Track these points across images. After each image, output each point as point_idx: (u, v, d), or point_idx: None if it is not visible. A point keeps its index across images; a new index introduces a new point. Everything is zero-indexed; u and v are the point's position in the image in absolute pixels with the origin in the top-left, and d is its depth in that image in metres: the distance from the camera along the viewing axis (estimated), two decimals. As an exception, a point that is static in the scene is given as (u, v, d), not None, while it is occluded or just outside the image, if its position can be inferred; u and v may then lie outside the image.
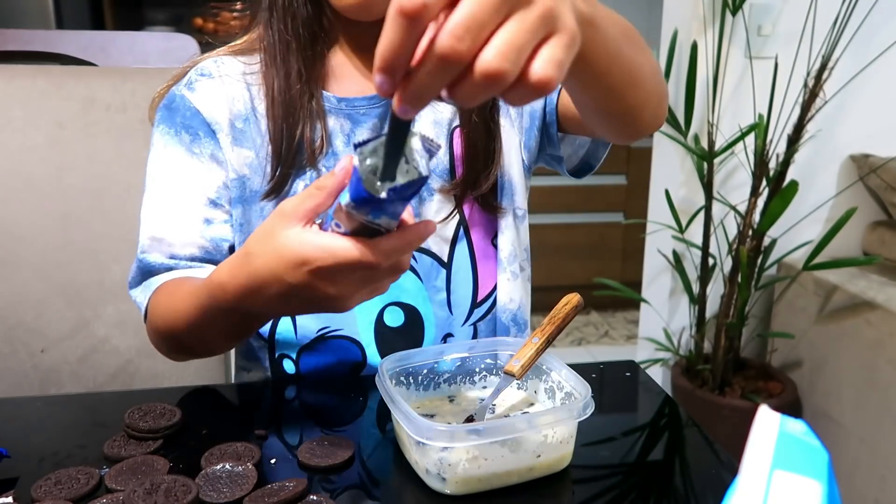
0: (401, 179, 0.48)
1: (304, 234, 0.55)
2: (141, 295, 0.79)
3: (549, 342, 0.67)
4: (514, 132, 0.85)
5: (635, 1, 3.42)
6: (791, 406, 1.83)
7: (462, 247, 0.85)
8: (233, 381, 1.09)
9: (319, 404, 0.76)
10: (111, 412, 0.70)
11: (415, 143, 0.49)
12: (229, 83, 0.81)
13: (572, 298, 0.69)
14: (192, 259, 0.79)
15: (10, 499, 0.58)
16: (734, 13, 1.78)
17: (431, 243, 0.84)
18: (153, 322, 0.77)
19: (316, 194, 0.56)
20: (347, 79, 0.83)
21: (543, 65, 0.39)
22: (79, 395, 0.89)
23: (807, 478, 0.29)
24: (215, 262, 0.79)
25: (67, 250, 1.03)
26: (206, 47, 1.13)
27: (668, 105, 0.73)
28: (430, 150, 0.49)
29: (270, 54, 0.79)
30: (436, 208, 0.83)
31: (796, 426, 0.32)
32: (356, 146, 0.49)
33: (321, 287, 0.55)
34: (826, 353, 1.82)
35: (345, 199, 0.52)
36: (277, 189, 0.80)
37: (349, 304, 0.57)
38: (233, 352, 0.98)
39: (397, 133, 0.46)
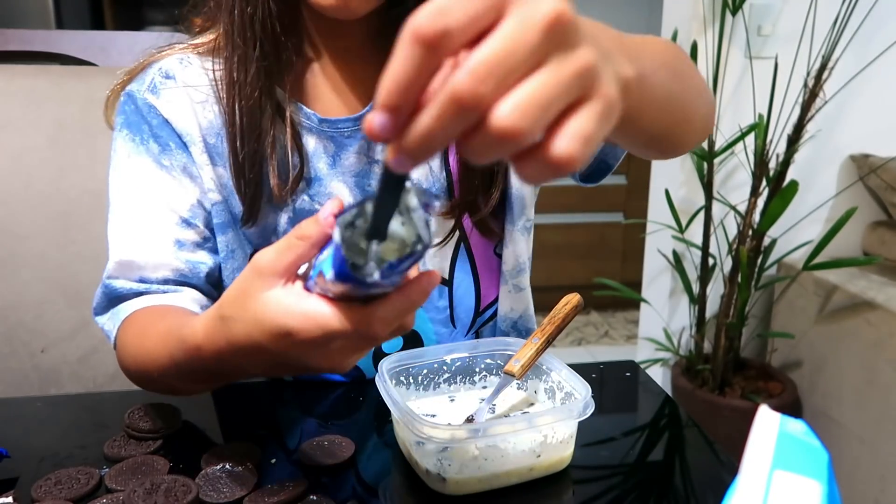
0: (394, 254, 0.40)
1: (285, 299, 0.46)
2: (109, 322, 0.72)
3: (549, 342, 0.67)
4: None
5: (635, 1, 3.43)
6: (791, 406, 1.83)
7: (463, 262, 0.82)
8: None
9: (319, 404, 0.76)
10: (111, 412, 0.70)
11: (411, 201, 0.40)
12: (196, 94, 0.74)
13: (572, 298, 0.69)
14: (165, 282, 0.72)
15: (10, 499, 0.58)
16: (734, 13, 1.78)
17: (430, 265, 0.79)
18: (122, 357, 0.70)
19: (296, 245, 0.46)
20: (329, 96, 0.76)
21: (569, 140, 0.32)
22: (79, 395, 0.89)
23: (807, 478, 0.29)
24: (191, 285, 0.74)
25: (67, 250, 1.03)
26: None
27: (714, 114, 0.66)
28: (428, 204, 0.41)
29: (230, 60, 0.70)
30: (433, 229, 0.78)
31: (796, 426, 0.32)
32: (336, 216, 0.43)
33: (310, 357, 0.47)
34: (826, 353, 1.82)
35: (328, 272, 0.43)
36: (252, 218, 0.73)
37: (344, 368, 0.49)
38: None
39: (390, 189, 0.37)
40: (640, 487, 0.63)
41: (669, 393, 0.80)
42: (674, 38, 1.84)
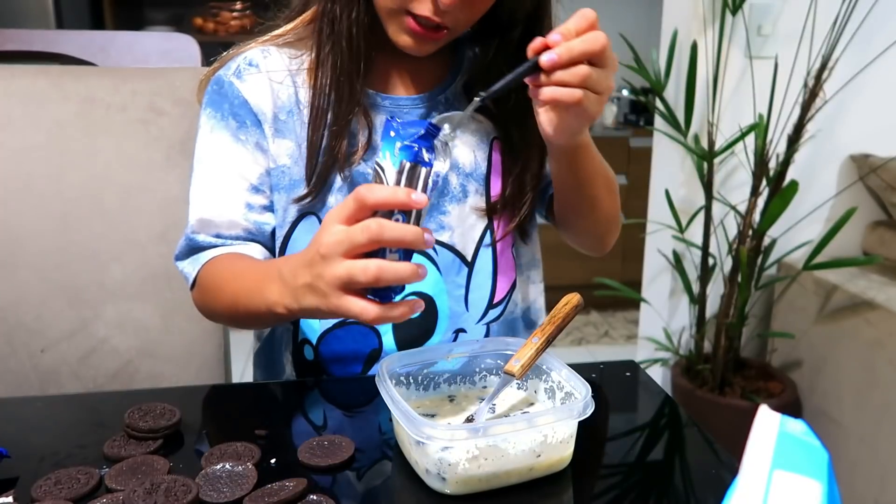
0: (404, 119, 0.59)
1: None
2: (189, 266, 0.84)
3: (548, 342, 0.67)
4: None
5: (635, 1, 3.43)
6: (791, 406, 1.83)
7: (486, 249, 0.89)
8: (232, 381, 1.09)
9: (320, 404, 0.76)
10: (111, 412, 0.70)
11: (449, 141, 0.61)
12: (275, 77, 0.84)
13: (572, 298, 0.69)
14: (237, 238, 0.84)
15: (10, 499, 0.58)
16: (734, 13, 1.78)
17: (457, 240, 0.87)
18: (203, 290, 0.83)
19: (350, 202, 0.60)
20: (394, 80, 0.87)
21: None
22: (79, 395, 0.89)
23: (807, 478, 0.29)
24: (258, 242, 0.85)
25: (67, 250, 1.03)
26: (205, 47, 1.13)
27: (610, 243, 0.93)
28: (448, 151, 0.61)
29: (323, 59, 0.80)
30: (467, 217, 0.87)
31: (796, 426, 0.32)
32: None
33: (319, 241, 0.60)
34: (826, 353, 1.82)
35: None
36: (316, 189, 0.82)
37: (331, 266, 0.60)
38: (245, 361, 0.99)
39: (524, 71, 0.66)
40: (640, 487, 0.63)
41: (669, 393, 0.80)
42: (674, 38, 1.84)
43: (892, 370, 1.62)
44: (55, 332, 1.03)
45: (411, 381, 0.70)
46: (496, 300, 0.90)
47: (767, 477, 0.29)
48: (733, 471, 0.63)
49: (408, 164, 0.60)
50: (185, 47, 1.12)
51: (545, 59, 0.65)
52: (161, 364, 1.04)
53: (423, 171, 0.60)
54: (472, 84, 0.88)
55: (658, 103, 1.86)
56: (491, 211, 0.88)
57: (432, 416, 0.68)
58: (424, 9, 0.75)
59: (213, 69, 0.87)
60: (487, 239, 0.89)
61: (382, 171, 0.61)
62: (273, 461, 0.63)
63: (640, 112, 3.44)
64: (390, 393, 0.61)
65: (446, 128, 0.62)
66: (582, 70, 0.65)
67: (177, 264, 0.86)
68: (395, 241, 0.59)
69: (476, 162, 0.88)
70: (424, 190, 0.60)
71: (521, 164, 0.88)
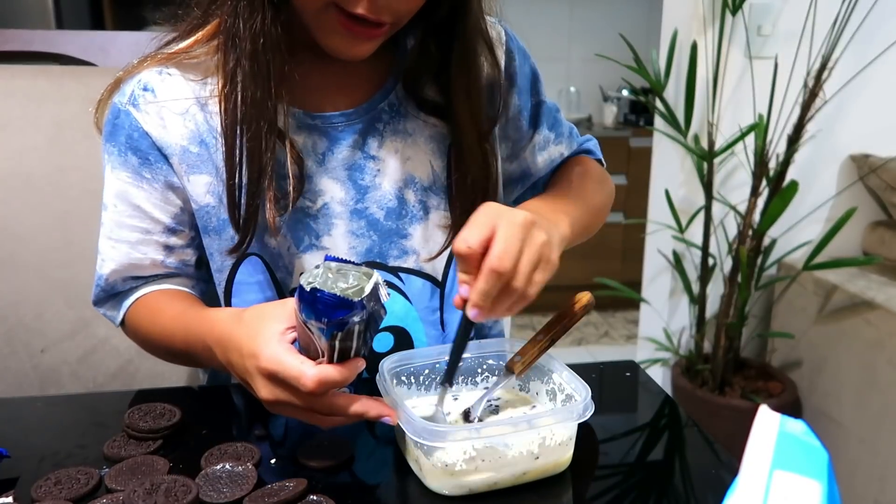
0: (334, 289, 0.53)
1: (274, 337, 0.59)
2: (112, 311, 0.81)
3: (552, 341, 0.67)
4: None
5: (635, 1, 3.42)
6: (791, 406, 1.83)
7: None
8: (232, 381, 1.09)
9: (319, 404, 0.76)
10: (111, 412, 0.70)
11: (379, 286, 0.54)
12: (177, 106, 0.73)
13: (583, 297, 0.67)
14: (158, 276, 0.79)
15: (10, 499, 0.58)
16: (734, 13, 1.78)
17: (424, 263, 0.80)
18: (134, 333, 0.80)
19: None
20: (319, 94, 0.76)
21: (535, 287, 0.61)
22: (79, 395, 0.89)
23: (807, 478, 0.29)
24: (182, 276, 0.80)
25: (67, 250, 1.03)
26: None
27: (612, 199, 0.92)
28: (380, 298, 0.55)
29: (229, 81, 0.69)
30: (432, 235, 0.80)
31: (796, 426, 0.32)
32: (327, 257, 0.55)
33: (256, 382, 0.60)
34: (826, 353, 1.82)
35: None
36: (245, 243, 0.73)
37: (272, 408, 0.61)
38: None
39: (464, 334, 0.63)
40: (640, 487, 0.63)
41: (669, 393, 0.80)
42: (674, 38, 1.84)
43: (892, 370, 1.62)
44: (55, 332, 1.03)
45: (412, 380, 0.70)
46: None
47: (767, 477, 0.29)
48: (733, 471, 0.63)
49: (340, 334, 0.55)
50: (185, 47, 1.12)
51: (471, 315, 0.60)
52: (161, 364, 1.04)
53: (357, 327, 0.55)
54: (413, 79, 0.77)
55: (658, 103, 1.86)
56: (458, 225, 0.77)
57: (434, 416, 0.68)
58: (359, 7, 0.64)
59: (109, 91, 0.76)
60: None
61: (311, 333, 0.56)
62: (273, 461, 0.63)
63: (640, 112, 3.44)
64: (390, 392, 0.61)
65: (378, 290, 0.55)
66: (506, 287, 0.60)
67: (96, 309, 0.81)
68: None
69: (434, 173, 0.79)
70: (364, 336, 0.56)
71: (478, 164, 0.77)
